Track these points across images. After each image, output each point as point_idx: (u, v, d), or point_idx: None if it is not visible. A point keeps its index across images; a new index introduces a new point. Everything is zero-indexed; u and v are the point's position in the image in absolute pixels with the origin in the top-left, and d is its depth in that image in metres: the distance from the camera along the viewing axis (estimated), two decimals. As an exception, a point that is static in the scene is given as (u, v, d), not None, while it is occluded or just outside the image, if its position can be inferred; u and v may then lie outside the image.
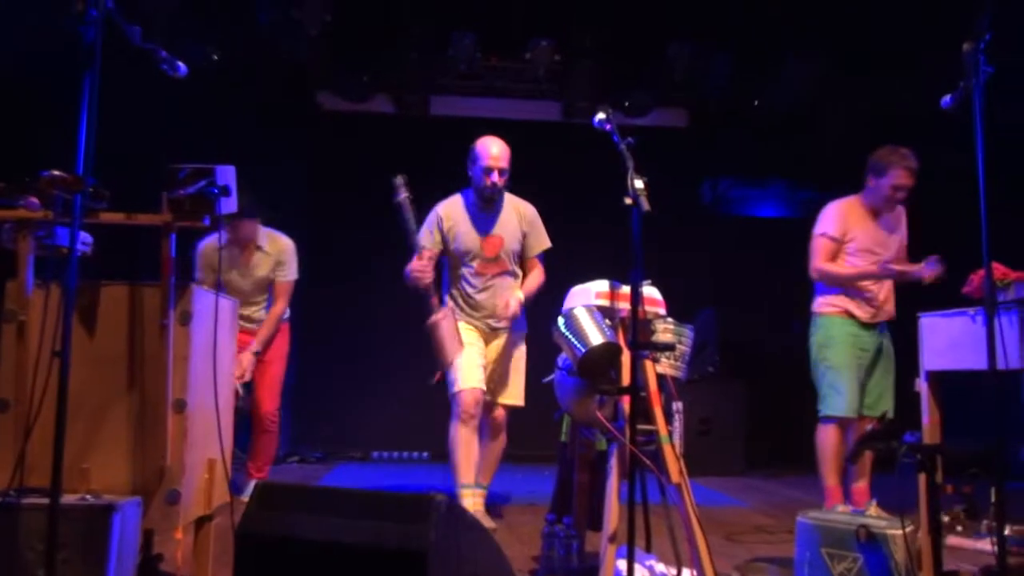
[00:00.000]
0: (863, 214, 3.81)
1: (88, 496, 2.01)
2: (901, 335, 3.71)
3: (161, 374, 2.16)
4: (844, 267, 3.77)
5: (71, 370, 1.80)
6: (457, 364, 3.52)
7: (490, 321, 3.69)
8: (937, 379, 2.86)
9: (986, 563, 2.72)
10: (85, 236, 2.23)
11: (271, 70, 5.92)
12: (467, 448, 3.47)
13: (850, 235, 3.77)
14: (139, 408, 2.17)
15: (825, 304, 3.82)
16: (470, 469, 3.47)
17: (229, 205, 2.18)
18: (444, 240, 3.68)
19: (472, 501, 3.41)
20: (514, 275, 3.76)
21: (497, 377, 3.70)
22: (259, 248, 4.10)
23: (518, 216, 3.74)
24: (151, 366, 2.17)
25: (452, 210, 3.72)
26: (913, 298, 3.34)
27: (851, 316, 3.75)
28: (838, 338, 3.74)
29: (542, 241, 3.78)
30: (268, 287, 4.22)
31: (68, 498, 1.90)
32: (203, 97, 5.28)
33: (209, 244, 3.98)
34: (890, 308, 3.83)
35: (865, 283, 3.76)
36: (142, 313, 2.19)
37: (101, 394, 2.17)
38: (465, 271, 3.69)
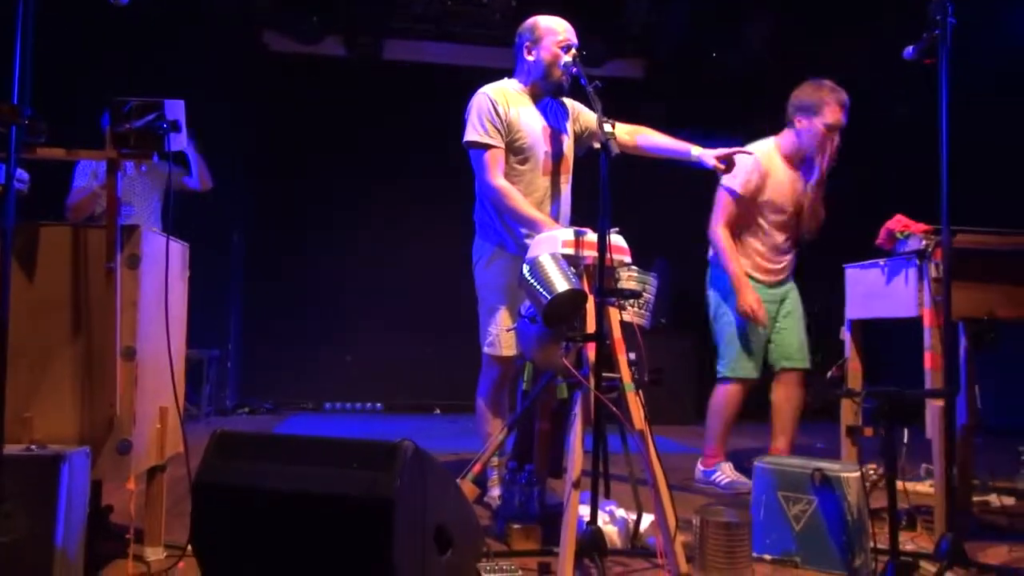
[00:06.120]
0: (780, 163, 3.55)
1: (33, 446, 1.92)
2: (824, 287, 3.65)
3: (108, 320, 2.06)
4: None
5: (9, 316, 1.70)
6: (500, 318, 2.85)
7: None
8: (859, 327, 2.97)
9: (922, 503, 2.83)
10: (21, 173, 2.09)
11: (214, 4, 5.65)
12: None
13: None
14: (85, 356, 2.07)
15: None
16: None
17: (178, 141, 2.07)
18: (506, 131, 2.80)
19: None
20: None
21: None
22: None
23: (569, 113, 3.01)
24: (97, 312, 2.07)
25: (505, 94, 2.84)
26: (839, 249, 3.31)
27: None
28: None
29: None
30: None
31: (11, 448, 1.81)
32: (140, 29, 5.03)
33: None
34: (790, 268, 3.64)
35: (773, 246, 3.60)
36: (86, 256, 2.08)
37: (44, 341, 2.06)
38: (532, 174, 2.85)
